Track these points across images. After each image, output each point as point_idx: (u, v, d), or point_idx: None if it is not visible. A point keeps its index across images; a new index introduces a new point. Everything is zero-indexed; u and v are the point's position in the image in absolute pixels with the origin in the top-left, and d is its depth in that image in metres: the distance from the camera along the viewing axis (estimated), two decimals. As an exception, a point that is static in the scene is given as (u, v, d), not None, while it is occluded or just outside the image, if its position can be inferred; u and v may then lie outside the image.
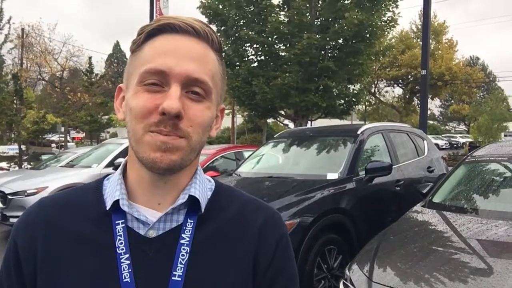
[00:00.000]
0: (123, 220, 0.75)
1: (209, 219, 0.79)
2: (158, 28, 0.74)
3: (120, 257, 0.73)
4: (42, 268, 0.74)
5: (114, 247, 0.73)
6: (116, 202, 0.75)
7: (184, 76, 0.71)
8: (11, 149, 16.78)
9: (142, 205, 0.77)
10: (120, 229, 0.74)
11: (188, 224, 0.76)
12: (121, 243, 0.73)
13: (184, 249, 0.74)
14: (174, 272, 0.72)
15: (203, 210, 0.78)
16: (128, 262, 0.72)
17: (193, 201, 0.77)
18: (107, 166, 7.94)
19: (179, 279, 0.72)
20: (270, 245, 0.80)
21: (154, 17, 12.97)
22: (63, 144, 24.34)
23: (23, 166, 13.61)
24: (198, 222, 0.77)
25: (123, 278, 0.71)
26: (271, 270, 0.79)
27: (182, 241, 0.75)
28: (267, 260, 0.79)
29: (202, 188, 0.80)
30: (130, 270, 0.72)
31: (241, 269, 0.77)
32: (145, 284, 0.72)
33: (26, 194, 6.96)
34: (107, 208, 0.76)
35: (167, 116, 0.69)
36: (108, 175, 0.85)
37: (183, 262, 0.73)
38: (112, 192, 0.77)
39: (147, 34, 0.74)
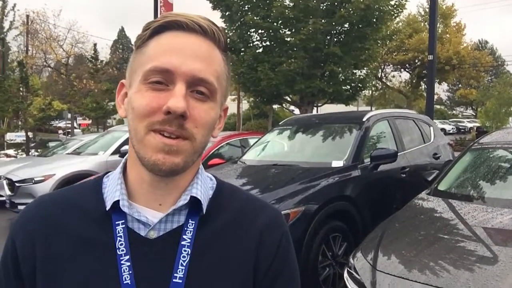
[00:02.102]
0: (123, 221, 0.74)
1: (211, 219, 0.78)
2: (164, 25, 0.72)
3: (121, 258, 0.72)
4: (41, 268, 0.73)
5: (114, 248, 0.72)
6: (116, 202, 0.74)
7: (189, 75, 0.69)
8: (19, 136, 16.89)
9: (143, 206, 0.76)
10: (120, 230, 0.74)
11: (190, 225, 0.75)
12: (122, 244, 0.73)
13: (185, 250, 0.74)
14: (175, 274, 0.72)
15: (204, 210, 0.77)
16: (128, 263, 0.72)
17: (194, 201, 0.76)
18: (113, 153, 7.96)
19: (180, 281, 0.72)
20: (271, 246, 0.80)
21: (159, 3, 12.86)
22: (70, 130, 24.47)
23: (30, 153, 13.71)
24: (199, 222, 0.76)
25: (124, 279, 0.71)
26: (272, 270, 0.79)
27: (183, 242, 0.74)
28: (268, 261, 0.79)
29: (204, 188, 0.79)
30: (130, 271, 0.71)
31: (242, 270, 0.76)
32: (146, 286, 0.71)
33: (33, 181, 7.02)
34: (107, 209, 0.75)
35: (173, 115, 0.67)
36: (107, 172, 0.84)
37: (184, 264, 0.73)
38: (112, 191, 0.76)
39: (153, 31, 0.73)
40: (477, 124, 32.94)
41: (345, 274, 2.79)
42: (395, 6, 14.01)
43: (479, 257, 2.45)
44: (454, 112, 59.19)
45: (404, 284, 2.33)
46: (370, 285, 2.46)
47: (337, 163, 4.45)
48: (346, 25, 13.87)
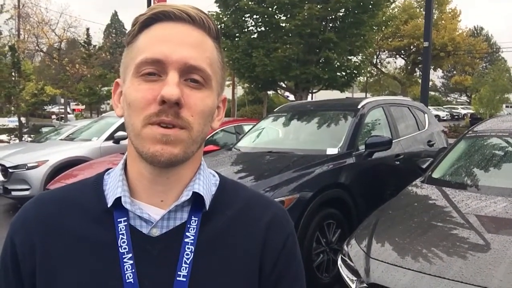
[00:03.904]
0: (125, 218, 0.73)
1: (214, 216, 0.76)
2: (152, 17, 0.71)
3: (123, 256, 0.71)
4: (41, 268, 0.72)
5: (116, 246, 0.71)
6: (118, 199, 0.73)
7: (181, 63, 0.68)
8: (11, 122, 16.74)
9: (144, 202, 0.74)
10: (123, 228, 0.72)
11: (193, 222, 0.74)
12: (124, 242, 0.71)
13: (188, 248, 0.72)
14: (178, 272, 0.71)
15: (207, 207, 0.76)
16: (131, 262, 0.70)
17: (197, 197, 0.75)
18: (107, 139, 7.92)
19: (184, 279, 0.70)
20: (276, 245, 0.78)
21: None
22: (63, 116, 24.30)
23: (23, 139, 13.61)
24: (202, 219, 0.75)
25: (126, 278, 0.69)
26: (277, 270, 0.78)
27: (186, 240, 0.73)
28: (273, 260, 0.77)
29: (206, 184, 0.78)
30: (133, 270, 0.70)
31: (247, 268, 0.75)
32: (149, 284, 0.70)
33: (26, 167, 6.98)
34: (109, 205, 0.74)
35: (168, 104, 0.66)
36: (108, 169, 0.82)
37: (188, 262, 0.71)
38: (114, 188, 0.75)
39: (142, 24, 0.71)
40: (471, 111, 33.09)
41: (339, 261, 2.81)
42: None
43: (472, 245, 2.47)
44: (448, 98, 59.31)
45: (398, 271, 2.35)
46: (363, 272, 2.48)
47: (332, 151, 4.45)
48: (342, 11, 13.78)
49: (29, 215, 0.76)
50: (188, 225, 0.74)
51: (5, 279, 0.75)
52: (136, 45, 0.71)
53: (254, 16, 14.14)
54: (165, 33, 0.70)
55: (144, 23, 0.71)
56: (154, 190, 0.74)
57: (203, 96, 0.71)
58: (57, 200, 0.77)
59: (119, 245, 0.71)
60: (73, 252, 0.72)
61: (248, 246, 0.76)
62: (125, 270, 0.70)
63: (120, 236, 0.72)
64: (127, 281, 0.69)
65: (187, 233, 0.73)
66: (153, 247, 0.72)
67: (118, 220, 0.73)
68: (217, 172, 0.85)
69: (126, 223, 0.72)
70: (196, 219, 0.74)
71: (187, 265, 0.71)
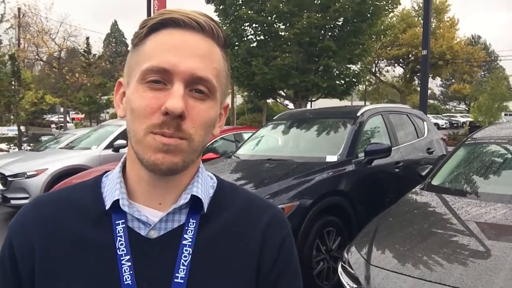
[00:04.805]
0: (123, 220, 0.73)
1: (212, 218, 0.77)
2: (161, 22, 0.70)
3: (121, 258, 0.71)
4: (40, 270, 0.72)
5: (114, 248, 0.71)
6: (116, 201, 0.73)
7: (188, 74, 0.68)
8: (11, 131, 16.73)
9: (142, 205, 0.75)
10: (121, 230, 0.72)
11: (190, 224, 0.74)
12: (122, 244, 0.72)
13: (186, 250, 0.73)
14: (176, 274, 0.71)
15: (205, 209, 0.76)
16: (129, 263, 0.71)
17: (195, 200, 0.75)
18: (107, 148, 7.92)
19: (182, 281, 0.71)
20: (274, 246, 0.79)
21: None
22: (62, 124, 24.32)
23: (22, 148, 13.61)
24: (200, 221, 0.75)
25: (124, 280, 0.70)
26: (274, 271, 0.78)
27: (184, 242, 0.73)
28: (271, 261, 0.78)
29: (204, 186, 0.78)
30: (131, 272, 0.70)
31: (244, 270, 0.76)
32: (147, 286, 0.70)
33: (26, 176, 6.98)
34: (107, 208, 0.74)
35: (170, 116, 0.66)
36: (106, 171, 0.83)
37: (186, 264, 0.72)
38: (112, 191, 0.75)
39: (149, 28, 0.71)
40: (470, 119, 33.15)
41: (339, 269, 2.80)
42: (389, 1, 14.03)
43: (473, 252, 2.46)
44: (447, 107, 59.45)
45: (398, 278, 2.34)
46: (364, 280, 2.47)
47: (331, 158, 4.46)
48: (341, 20, 13.88)
49: (28, 217, 0.76)
50: (186, 227, 0.74)
51: (3, 279, 0.75)
52: (143, 49, 0.71)
53: (254, 25, 14.24)
54: (173, 41, 0.69)
55: (152, 27, 0.71)
56: (153, 193, 0.74)
57: (206, 107, 0.71)
58: (55, 202, 0.78)
59: (117, 247, 0.71)
60: (72, 254, 0.72)
61: (246, 247, 0.77)
62: (123, 272, 0.70)
63: (118, 238, 0.72)
64: (125, 282, 0.69)
65: (185, 235, 0.73)
66: (151, 249, 0.72)
67: (116, 222, 0.73)
68: (214, 175, 0.85)
69: (124, 225, 0.73)
70: (194, 221, 0.75)
71: (185, 267, 0.71)
